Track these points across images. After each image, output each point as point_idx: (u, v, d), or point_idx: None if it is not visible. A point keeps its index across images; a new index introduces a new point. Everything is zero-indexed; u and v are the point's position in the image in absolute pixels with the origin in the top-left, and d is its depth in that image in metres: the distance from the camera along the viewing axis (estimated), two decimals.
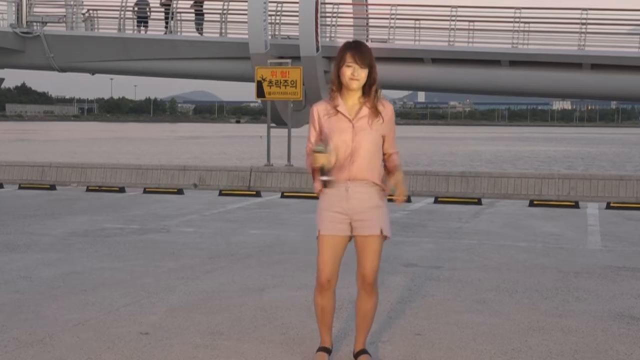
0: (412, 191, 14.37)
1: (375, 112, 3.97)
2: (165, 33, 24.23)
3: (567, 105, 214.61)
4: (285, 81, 16.87)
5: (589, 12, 22.24)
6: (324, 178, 3.91)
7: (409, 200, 4.06)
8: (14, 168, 16.65)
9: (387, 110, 4.02)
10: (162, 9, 24.53)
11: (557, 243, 8.88)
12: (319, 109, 4.04)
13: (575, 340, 4.86)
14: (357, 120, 3.96)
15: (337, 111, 3.97)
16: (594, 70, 21.79)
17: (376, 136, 3.97)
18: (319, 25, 21.79)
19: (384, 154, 4.09)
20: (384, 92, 4.20)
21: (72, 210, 11.59)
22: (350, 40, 4.06)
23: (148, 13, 24.75)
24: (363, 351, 4.21)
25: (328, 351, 4.24)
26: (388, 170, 4.11)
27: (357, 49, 3.90)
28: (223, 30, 23.82)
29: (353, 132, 3.93)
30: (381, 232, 4.01)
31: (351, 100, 3.99)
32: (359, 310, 4.18)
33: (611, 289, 6.38)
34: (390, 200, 4.12)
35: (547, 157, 41.09)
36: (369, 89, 3.97)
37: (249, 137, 65.24)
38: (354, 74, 3.89)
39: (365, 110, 3.97)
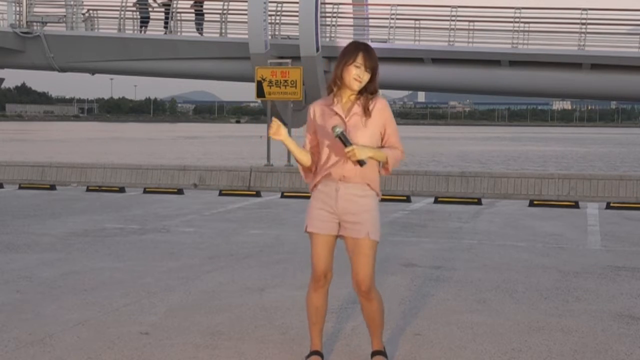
0: (412, 191, 14.38)
1: (367, 111, 3.91)
2: (165, 33, 24.23)
3: (567, 105, 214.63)
4: (285, 81, 16.88)
5: (589, 12, 22.24)
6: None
7: (361, 163, 3.86)
8: (14, 168, 16.65)
9: (378, 103, 3.94)
10: (162, 9, 24.53)
11: (557, 243, 8.88)
12: (316, 108, 4.02)
13: (575, 340, 4.86)
14: (349, 117, 3.91)
15: (333, 111, 3.94)
16: (594, 70, 21.79)
17: (372, 134, 3.90)
18: (319, 25, 21.78)
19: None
20: (385, 92, 4.18)
21: (72, 210, 11.59)
22: (359, 41, 4.00)
23: (150, 12, 24.74)
24: (377, 352, 4.16)
25: (321, 355, 4.18)
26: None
27: (368, 52, 3.88)
28: (223, 30, 23.81)
29: (346, 130, 3.85)
30: (368, 236, 3.91)
31: (345, 98, 3.96)
32: (364, 315, 4.13)
33: (611, 289, 6.38)
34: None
35: (539, 158, 41.03)
36: (365, 92, 3.93)
37: (249, 137, 65.22)
38: (360, 76, 3.87)
39: (357, 108, 3.92)
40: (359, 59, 3.85)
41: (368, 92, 3.92)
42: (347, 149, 3.74)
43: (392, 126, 3.99)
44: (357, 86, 3.88)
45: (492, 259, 7.73)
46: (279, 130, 3.90)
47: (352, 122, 3.89)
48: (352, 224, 3.93)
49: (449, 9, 23.17)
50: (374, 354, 4.17)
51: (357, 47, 3.89)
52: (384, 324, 4.18)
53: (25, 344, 4.61)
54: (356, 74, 3.86)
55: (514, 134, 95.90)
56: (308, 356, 4.18)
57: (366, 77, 3.88)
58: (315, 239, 4.00)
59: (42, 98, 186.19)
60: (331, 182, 3.95)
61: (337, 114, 3.93)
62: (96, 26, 25.50)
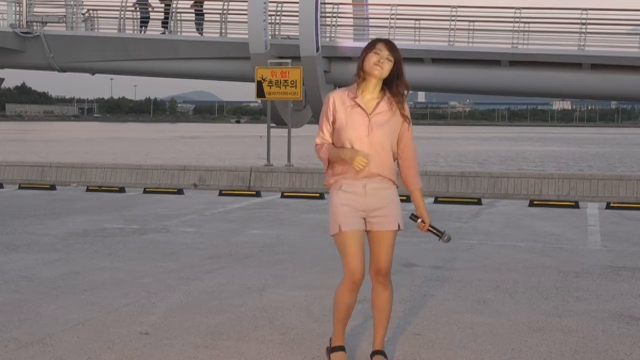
0: None
1: (393, 110, 3.99)
2: (165, 33, 24.23)
3: (567, 105, 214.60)
4: (285, 81, 16.86)
5: (589, 12, 22.24)
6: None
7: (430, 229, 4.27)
8: (14, 168, 16.65)
9: (408, 111, 4.09)
10: (162, 9, 24.54)
11: (557, 243, 8.88)
12: (336, 98, 4.04)
13: (575, 340, 4.86)
14: (374, 115, 3.96)
15: (355, 103, 3.98)
16: (594, 70, 21.78)
17: (392, 135, 3.99)
18: (319, 25, 21.78)
19: (400, 164, 4.13)
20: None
21: (72, 210, 11.59)
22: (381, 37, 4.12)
23: (150, 11, 24.74)
24: (379, 352, 4.17)
25: (344, 350, 4.17)
26: (407, 186, 4.20)
27: (388, 43, 4.00)
28: (223, 30, 23.82)
29: (369, 127, 3.93)
30: (398, 227, 4.07)
31: (370, 95, 4.00)
32: (375, 305, 4.14)
33: (611, 289, 6.38)
34: (413, 218, 4.21)
35: (538, 158, 41.02)
36: (389, 84, 4.00)
37: (249, 137, 65.22)
38: (380, 61, 3.92)
39: (383, 106, 3.98)
40: (378, 46, 3.95)
41: (389, 81, 3.99)
42: (442, 239, 4.22)
43: (411, 133, 4.12)
44: (377, 71, 3.93)
45: (492, 259, 7.73)
46: (362, 162, 3.89)
47: (375, 120, 3.96)
48: (380, 218, 4.04)
49: (449, 9, 23.17)
50: (374, 353, 4.17)
51: (378, 40, 4.02)
52: (389, 320, 4.19)
53: (25, 344, 4.61)
54: (376, 59, 3.92)
55: (514, 134, 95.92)
56: (332, 350, 4.16)
57: (387, 65, 3.94)
58: (351, 238, 3.99)
59: (42, 98, 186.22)
60: (356, 182, 4.01)
61: (359, 106, 3.98)
62: (96, 26, 25.50)
